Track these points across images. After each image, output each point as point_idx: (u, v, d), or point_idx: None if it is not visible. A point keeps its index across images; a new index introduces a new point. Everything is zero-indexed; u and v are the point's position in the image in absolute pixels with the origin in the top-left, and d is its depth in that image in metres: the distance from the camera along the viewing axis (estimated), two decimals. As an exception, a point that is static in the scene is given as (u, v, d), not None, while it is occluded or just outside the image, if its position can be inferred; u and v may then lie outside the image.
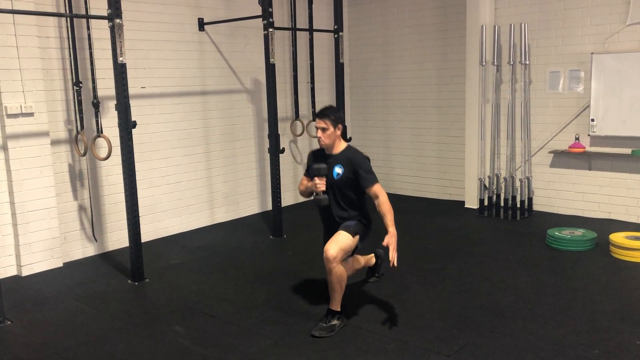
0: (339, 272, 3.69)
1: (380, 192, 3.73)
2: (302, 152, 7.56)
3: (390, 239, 3.58)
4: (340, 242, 3.71)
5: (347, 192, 3.84)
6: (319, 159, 3.93)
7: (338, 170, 3.82)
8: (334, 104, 6.82)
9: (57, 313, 4.21)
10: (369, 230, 3.99)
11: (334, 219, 3.90)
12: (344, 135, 6.50)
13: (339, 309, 3.77)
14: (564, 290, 4.33)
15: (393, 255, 3.54)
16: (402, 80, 7.66)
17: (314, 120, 3.87)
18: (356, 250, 4.03)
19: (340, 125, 3.84)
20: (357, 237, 3.83)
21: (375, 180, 3.77)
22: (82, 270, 5.15)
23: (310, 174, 3.95)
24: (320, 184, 3.81)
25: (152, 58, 5.88)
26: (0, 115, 4.81)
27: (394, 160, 7.93)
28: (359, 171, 3.76)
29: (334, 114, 3.82)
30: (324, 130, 3.79)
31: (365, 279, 4.56)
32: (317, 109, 7.25)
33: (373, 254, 4.51)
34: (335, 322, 3.73)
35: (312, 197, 3.95)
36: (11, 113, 4.79)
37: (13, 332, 3.92)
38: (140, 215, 4.89)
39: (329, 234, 3.91)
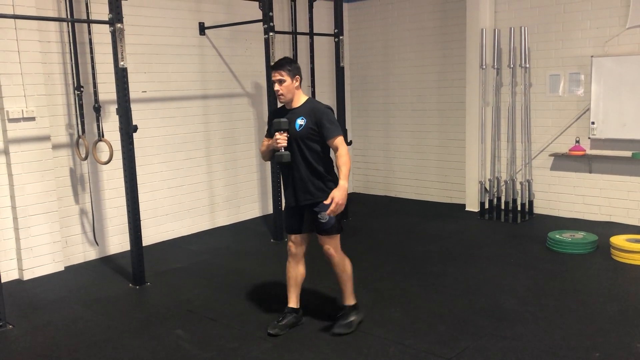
0: (342, 262, 3.73)
1: (341, 144, 3.56)
2: (302, 155, 7.56)
3: (337, 192, 3.42)
4: (330, 238, 3.67)
5: (311, 144, 3.60)
6: (279, 116, 3.71)
7: (300, 122, 3.60)
8: (334, 107, 6.84)
9: (58, 317, 4.22)
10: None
11: (298, 181, 3.65)
12: (344, 137, 6.47)
13: (353, 302, 3.78)
14: (565, 293, 4.34)
15: (332, 209, 3.42)
16: (402, 83, 7.67)
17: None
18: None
19: (297, 77, 3.63)
20: (338, 225, 3.69)
21: (338, 132, 3.58)
22: (84, 274, 5.16)
23: (270, 132, 3.71)
24: (281, 139, 3.58)
25: (153, 62, 5.90)
26: (1, 120, 4.82)
27: (394, 163, 7.94)
28: (322, 121, 3.56)
29: (290, 64, 3.63)
30: (280, 82, 3.59)
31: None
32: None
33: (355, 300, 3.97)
34: (352, 317, 3.75)
35: (274, 158, 3.74)
36: (13, 117, 4.80)
37: (14, 336, 3.92)
38: (141, 219, 4.89)
39: (292, 194, 3.71)
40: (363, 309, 4.12)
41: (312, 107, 3.65)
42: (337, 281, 3.81)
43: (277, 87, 3.63)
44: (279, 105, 3.85)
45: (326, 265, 3.97)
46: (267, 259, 5.51)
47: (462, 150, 7.10)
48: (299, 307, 3.88)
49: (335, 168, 3.66)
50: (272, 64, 5.62)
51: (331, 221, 3.63)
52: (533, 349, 3.48)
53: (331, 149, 3.66)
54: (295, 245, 3.82)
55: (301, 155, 3.64)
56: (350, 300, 3.80)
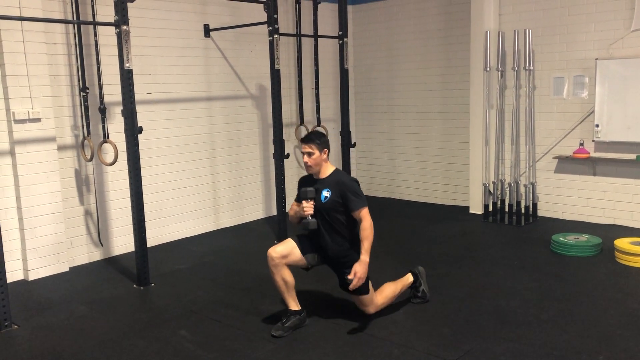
0: (385, 294, 3.98)
1: (365, 217, 3.71)
2: (306, 157, 7.58)
3: (359, 267, 3.60)
4: (365, 298, 3.85)
5: (336, 215, 3.78)
6: (308, 184, 3.90)
7: (326, 193, 3.78)
8: (338, 109, 6.85)
9: (63, 317, 4.23)
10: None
11: (323, 244, 3.84)
12: (348, 140, 6.51)
13: (412, 279, 4.17)
14: (569, 296, 4.33)
15: (355, 284, 3.61)
16: (406, 85, 7.68)
17: (302, 141, 3.84)
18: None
19: (326, 150, 3.82)
20: (367, 283, 3.82)
21: (363, 204, 3.73)
22: (88, 275, 5.18)
23: (299, 199, 3.92)
24: (308, 207, 3.77)
25: (158, 64, 5.92)
26: (7, 121, 4.85)
27: (398, 165, 7.94)
28: (347, 194, 3.73)
29: (320, 138, 3.81)
30: (310, 154, 3.77)
31: (409, 297, 4.31)
32: (322, 114, 7.33)
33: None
34: (422, 287, 4.19)
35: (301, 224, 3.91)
36: (19, 119, 4.82)
37: (19, 337, 3.94)
38: (145, 220, 4.91)
39: (317, 250, 3.88)
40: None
41: (338, 180, 3.80)
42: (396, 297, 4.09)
43: (305, 159, 3.79)
44: (306, 172, 3.97)
45: (328, 267, 3.99)
46: (271, 260, 5.51)
47: (466, 153, 7.10)
48: (300, 308, 3.89)
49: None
50: (275, 65, 5.65)
51: (363, 284, 3.73)
52: (537, 351, 3.47)
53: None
54: (281, 257, 3.75)
55: (327, 226, 3.82)
56: (408, 281, 4.16)
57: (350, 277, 3.61)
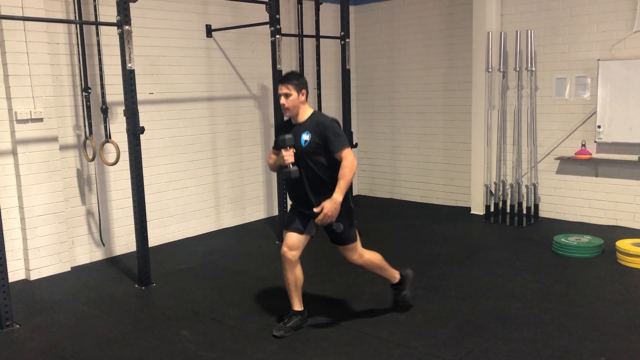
0: (370, 258, 3.89)
1: (346, 157, 3.52)
2: (308, 157, 7.58)
3: (328, 204, 3.45)
4: (349, 247, 3.75)
5: (318, 159, 3.60)
6: (287, 129, 3.70)
7: (305, 137, 3.59)
8: (340, 109, 6.85)
9: (64, 317, 4.24)
10: (349, 204, 3.71)
11: (306, 194, 3.64)
12: (350, 140, 6.47)
13: (398, 279, 4.02)
14: (570, 297, 4.33)
15: (320, 218, 3.47)
16: (408, 86, 7.68)
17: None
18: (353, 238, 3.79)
19: (304, 91, 3.64)
20: (353, 232, 3.73)
21: (345, 145, 3.55)
22: (90, 275, 5.18)
23: (277, 146, 3.71)
24: (288, 155, 3.56)
25: (160, 64, 5.93)
26: (10, 121, 4.85)
27: (400, 166, 7.94)
28: (327, 135, 3.54)
29: (297, 78, 3.63)
30: (287, 96, 3.59)
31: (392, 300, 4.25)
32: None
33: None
34: (405, 292, 4.05)
35: (282, 172, 3.77)
36: (21, 118, 4.83)
37: (21, 336, 3.95)
38: (147, 220, 4.91)
39: (300, 205, 3.71)
40: (367, 311, 4.14)
41: (317, 122, 3.62)
42: (378, 274, 3.98)
43: (282, 100, 3.62)
44: (285, 118, 3.83)
45: (330, 267, 3.99)
46: (272, 260, 5.51)
47: (467, 154, 7.10)
48: (303, 309, 3.89)
49: None
50: (277, 66, 5.65)
51: (346, 231, 3.64)
52: (538, 352, 3.47)
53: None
54: (290, 249, 3.73)
55: (308, 170, 3.63)
56: (394, 278, 4.00)
57: (316, 210, 3.48)
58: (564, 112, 6.37)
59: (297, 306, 3.87)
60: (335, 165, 3.61)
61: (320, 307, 4.20)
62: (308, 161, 3.62)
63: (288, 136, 3.58)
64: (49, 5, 5.02)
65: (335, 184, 3.56)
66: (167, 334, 3.90)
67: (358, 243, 3.81)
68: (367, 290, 4.53)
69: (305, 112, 3.69)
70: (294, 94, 3.61)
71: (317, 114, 3.74)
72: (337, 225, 3.57)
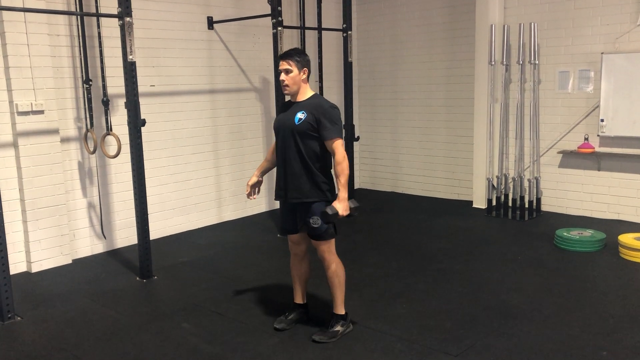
0: (334, 267, 3.58)
1: (338, 149, 3.39)
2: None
3: (339, 205, 3.38)
4: (323, 242, 3.55)
5: (308, 142, 3.44)
6: (285, 109, 3.60)
7: (300, 115, 3.44)
8: (342, 102, 6.83)
9: (66, 309, 4.24)
10: (333, 195, 3.54)
11: (290, 176, 3.51)
12: (351, 133, 6.44)
13: (342, 312, 3.66)
14: (572, 291, 4.32)
15: (342, 214, 3.38)
16: (410, 79, 7.65)
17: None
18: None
19: (305, 69, 3.48)
20: (331, 230, 3.54)
21: (338, 135, 3.41)
22: (91, 267, 5.18)
23: (325, 221, 3.51)
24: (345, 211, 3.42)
25: (161, 56, 5.91)
26: (11, 113, 4.84)
27: (402, 159, 7.92)
28: (322, 119, 3.39)
29: (299, 55, 3.48)
30: (287, 72, 3.44)
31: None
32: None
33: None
34: (338, 327, 3.62)
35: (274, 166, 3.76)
36: (22, 110, 4.82)
37: (22, 328, 3.95)
38: (148, 212, 4.91)
39: (282, 187, 3.59)
40: (369, 305, 4.13)
41: (316, 103, 3.48)
42: (329, 288, 3.66)
43: (282, 76, 3.47)
44: (286, 98, 3.74)
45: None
46: (274, 253, 5.51)
47: (470, 147, 7.08)
48: (305, 302, 3.88)
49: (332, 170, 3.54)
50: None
51: (323, 226, 3.50)
52: (540, 346, 3.47)
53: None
54: (295, 244, 3.76)
55: (297, 151, 3.48)
56: (340, 310, 3.65)
57: (313, 223, 3.44)
58: (567, 105, 6.34)
59: (299, 299, 3.87)
60: (324, 152, 3.49)
61: (321, 301, 4.19)
62: (298, 140, 3.46)
63: (331, 212, 3.39)
64: (50, -4, 5.00)
65: (314, 174, 3.46)
66: (168, 327, 3.90)
67: (333, 242, 3.60)
68: (368, 284, 4.52)
69: (306, 92, 3.55)
70: (295, 70, 3.45)
71: (318, 96, 3.60)
72: (314, 220, 3.50)
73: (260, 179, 3.88)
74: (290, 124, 3.48)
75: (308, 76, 3.55)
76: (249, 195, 3.84)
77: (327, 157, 3.53)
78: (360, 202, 3.70)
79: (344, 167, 3.40)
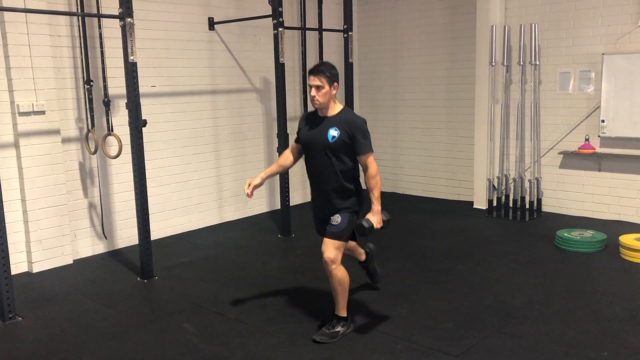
0: (340, 275, 3.55)
1: (371, 164, 3.49)
2: (310, 151, 7.57)
3: (373, 217, 3.46)
4: (335, 243, 3.54)
5: (342, 157, 3.51)
6: (312, 121, 3.61)
7: (333, 132, 3.48)
8: (343, 103, 6.82)
9: (67, 309, 4.24)
10: (361, 206, 3.66)
11: (324, 193, 3.60)
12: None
13: (344, 315, 3.66)
14: (573, 291, 4.32)
15: (377, 226, 3.48)
16: (411, 80, 7.65)
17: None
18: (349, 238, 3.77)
19: (336, 84, 3.50)
20: (347, 227, 3.57)
21: (370, 149, 3.50)
22: (92, 268, 5.19)
23: (298, 138, 3.70)
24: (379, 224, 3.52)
25: (162, 57, 5.91)
26: (12, 113, 4.85)
27: (402, 160, 7.92)
28: (356, 135, 3.46)
29: (330, 70, 3.48)
30: (318, 88, 3.45)
31: (371, 284, 4.42)
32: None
33: (364, 251, 4.18)
34: (339, 328, 3.62)
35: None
36: (23, 111, 4.83)
37: (24, 328, 3.95)
38: (149, 213, 4.91)
39: (318, 206, 3.70)
40: (370, 305, 4.13)
41: (347, 119, 3.51)
42: (332, 292, 3.65)
43: (313, 92, 3.47)
44: (310, 109, 3.70)
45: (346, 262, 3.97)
46: (275, 254, 5.52)
47: (470, 148, 7.08)
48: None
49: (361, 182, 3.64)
50: (280, 59, 5.63)
51: (343, 225, 3.55)
52: (540, 347, 3.47)
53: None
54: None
55: (330, 167, 3.54)
56: (342, 312, 3.66)
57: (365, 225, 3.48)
58: (568, 106, 6.34)
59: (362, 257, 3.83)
60: (355, 165, 3.58)
61: (323, 301, 4.19)
62: (332, 157, 3.52)
63: (367, 225, 3.47)
64: (51, -3, 5.01)
65: (347, 189, 3.56)
66: (169, 327, 3.91)
67: (342, 247, 3.60)
68: (369, 284, 4.52)
69: (335, 107, 3.57)
70: (326, 86, 3.47)
71: (348, 110, 3.64)
72: (336, 218, 3.55)
73: (264, 182, 3.88)
74: (323, 141, 3.52)
75: (337, 90, 3.57)
76: (248, 194, 3.80)
77: (357, 169, 3.62)
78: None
79: (377, 180, 3.50)
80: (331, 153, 3.52)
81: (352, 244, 4.01)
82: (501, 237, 5.84)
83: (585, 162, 6.29)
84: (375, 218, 3.47)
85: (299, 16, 7.07)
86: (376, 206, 3.48)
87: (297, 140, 3.78)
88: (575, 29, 6.19)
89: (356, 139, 3.47)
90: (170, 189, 6.12)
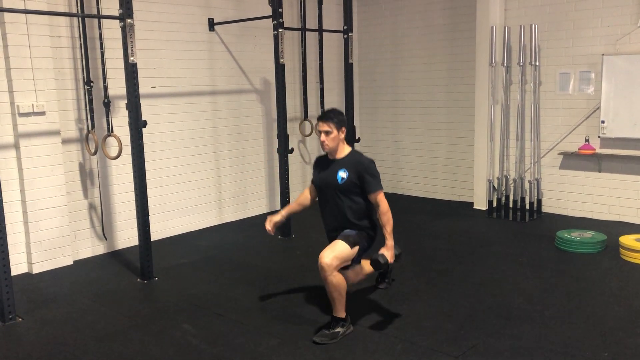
0: (335, 281, 3.57)
1: (382, 201, 3.68)
2: (310, 152, 7.57)
3: (387, 252, 3.62)
4: (336, 250, 3.59)
5: (353, 197, 3.73)
6: (323, 165, 3.86)
7: (342, 174, 3.72)
8: (343, 104, 6.84)
9: (67, 310, 4.24)
10: (373, 240, 3.88)
11: (334, 226, 3.81)
12: (352, 135, 6.47)
13: (343, 316, 3.69)
14: (573, 292, 4.32)
15: (390, 261, 3.64)
16: (411, 80, 7.65)
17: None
18: (356, 260, 3.88)
19: (343, 128, 3.75)
20: (357, 247, 3.71)
21: (380, 187, 3.70)
22: (92, 269, 5.19)
23: (315, 180, 3.91)
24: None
25: (162, 58, 5.91)
26: (12, 114, 4.85)
27: (402, 160, 7.92)
28: (364, 176, 3.67)
29: (338, 116, 3.74)
30: (327, 133, 3.70)
31: (375, 285, 4.46)
32: (326, 109, 7.28)
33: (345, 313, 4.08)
34: (338, 329, 3.64)
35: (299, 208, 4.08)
36: (23, 112, 4.83)
37: (24, 329, 3.95)
38: (149, 214, 4.91)
39: (329, 233, 3.91)
40: (370, 306, 4.13)
41: (355, 161, 3.73)
42: (329, 296, 3.66)
43: (323, 137, 3.71)
44: (323, 151, 3.91)
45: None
46: (274, 255, 5.52)
47: (470, 148, 7.08)
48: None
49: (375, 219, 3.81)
50: (280, 59, 5.63)
51: (354, 234, 3.71)
52: (541, 347, 3.46)
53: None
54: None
55: (337, 207, 3.75)
56: (340, 313, 3.68)
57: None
58: (568, 107, 6.34)
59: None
60: (364, 207, 3.75)
61: (323, 302, 4.19)
62: (341, 197, 3.73)
63: (383, 260, 3.59)
64: (51, -2, 5.01)
65: (359, 226, 3.74)
66: (169, 327, 3.90)
67: (343, 259, 3.63)
68: (369, 285, 4.52)
69: (344, 149, 3.80)
70: (335, 131, 3.70)
71: (356, 152, 3.87)
72: (348, 230, 3.73)
73: (284, 220, 4.09)
74: (333, 182, 3.75)
75: (345, 135, 3.80)
76: (269, 230, 4.02)
77: (370, 206, 3.78)
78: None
79: (389, 217, 3.67)
80: (342, 194, 3.73)
81: (364, 268, 4.01)
82: (501, 237, 5.84)
83: (585, 163, 6.29)
84: (389, 253, 3.63)
85: (299, 17, 7.07)
86: (389, 241, 3.65)
87: (313, 182, 4.00)
88: (575, 29, 6.20)
89: (365, 179, 3.68)
90: (170, 189, 6.12)
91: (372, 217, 3.83)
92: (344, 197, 3.73)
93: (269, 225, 3.98)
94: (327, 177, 3.79)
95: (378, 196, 3.68)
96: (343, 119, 3.76)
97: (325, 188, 3.81)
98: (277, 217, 4.02)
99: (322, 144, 3.75)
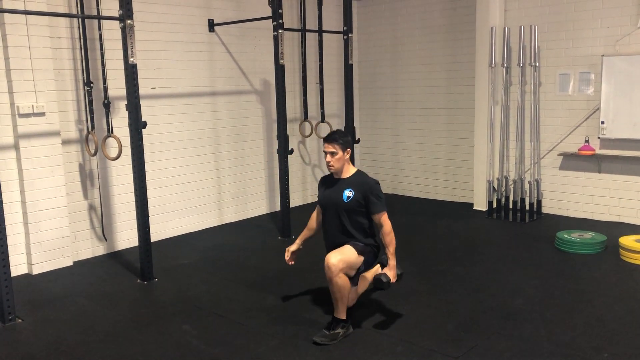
0: (340, 283, 3.60)
1: (386, 222, 3.73)
2: (310, 153, 7.58)
3: (390, 272, 3.67)
4: (344, 253, 3.67)
5: (357, 217, 3.77)
6: (329, 184, 3.90)
7: (348, 193, 3.77)
8: (342, 105, 6.84)
9: (67, 311, 4.24)
10: (376, 258, 3.92)
11: (336, 244, 3.82)
12: (352, 136, 6.51)
13: (344, 317, 3.70)
14: (573, 293, 4.32)
15: (392, 281, 3.69)
16: (411, 81, 7.65)
17: (324, 143, 3.89)
18: (359, 273, 3.91)
19: (349, 149, 3.80)
20: (362, 258, 3.76)
21: (384, 208, 3.74)
22: (92, 269, 5.19)
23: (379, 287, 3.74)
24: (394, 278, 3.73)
25: (162, 59, 5.92)
26: (12, 115, 4.85)
27: (402, 161, 7.92)
28: (369, 196, 3.73)
29: (343, 137, 3.79)
30: (332, 154, 3.76)
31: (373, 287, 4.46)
32: (326, 110, 7.31)
33: (378, 264, 4.22)
34: (339, 330, 3.66)
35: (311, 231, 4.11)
36: (23, 113, 4.83)
37: (24, 330, 3.95)
38: (149, 215, 4.91)
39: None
40: (370, 307, 4.13)
41: (361, 181, 3.79)
42: (332, 297, 3.70)
43: (329, 158, 3.77)
44: (328, 171, 3.95)
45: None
46: (274, 255, 5.50)
47: (470, 149, 7.08)
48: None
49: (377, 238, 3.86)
50: (280, 60, 5.64)
51: (361, 245, 3.76)
52: (541, 348, 3.46)
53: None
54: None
55: (342, 225, 3.79)
56: (341, 315, 3.69)
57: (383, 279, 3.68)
58: (568, 107, 6.34)
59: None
60: (368, 227, 3.81)
61: (323, 303, 4.19)
62: (345, 216, 3.77)
63: (385, 280, 3.65)
64: (51, -1, 5.02)
65: (359, 240, 3.77)
66: (169, 328, 3.90)
67: (351, 265, 3.70)
68: (368, 286, 4.51)
69: (350, 170, 3.86)
70: (340, 152, 3.76)
71: (362, 173, 3.89)
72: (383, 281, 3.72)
73: (301, 247, 4.11)
74: (338, 201, 3.79)
75: (350, 155, 3.86)
76: (288, 260, 4.05)
77: (372, 227, 3.84)
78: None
79: (392, 237, 3.72)
80: (346, 213, 3.78)
81: (366, 279, 4.08)
82: (501, 238, 5.84)
83: (585, 164, 6.30)
84: (391, 273, 3.68)
85: (299, 18, 7.08)
86: (392, 261, 3.69)
87: (319, 202, 4.03)
88: (574, 30, 6.20)
89: (370, 199, 3.73)
90: (170, 190, 6.12)
91: (376, 237, 3.89)
92: (349, 215, 3.77)
93: (287, 256, 4.03)
94: (333, 196, 3.83)
95: (382, 217, 3.73)
96: (348, 140, 3.82)
97: (330, 206, 3.84)
98: (293, 247, 4.07)
99: (328, 164, 3.81)
